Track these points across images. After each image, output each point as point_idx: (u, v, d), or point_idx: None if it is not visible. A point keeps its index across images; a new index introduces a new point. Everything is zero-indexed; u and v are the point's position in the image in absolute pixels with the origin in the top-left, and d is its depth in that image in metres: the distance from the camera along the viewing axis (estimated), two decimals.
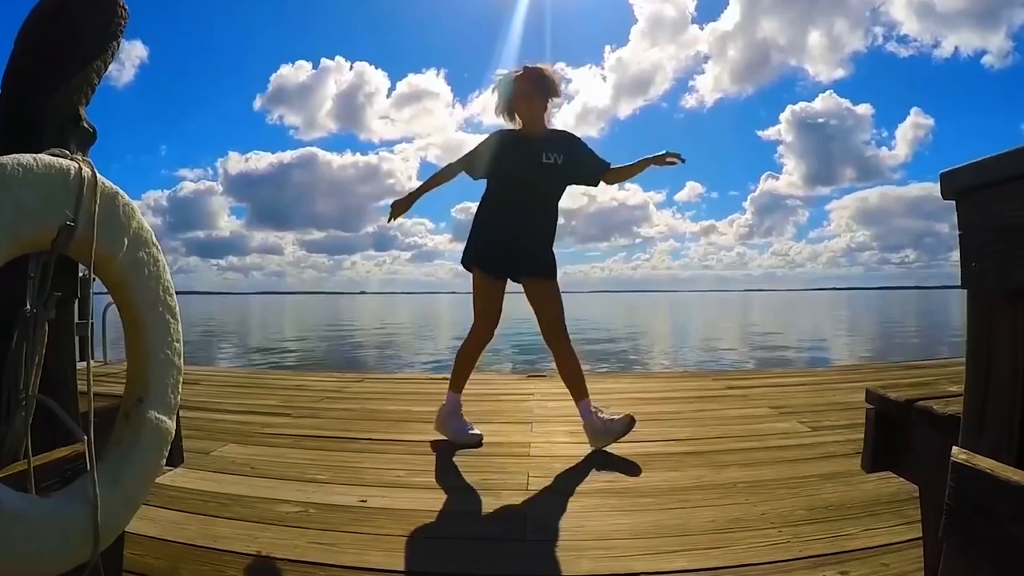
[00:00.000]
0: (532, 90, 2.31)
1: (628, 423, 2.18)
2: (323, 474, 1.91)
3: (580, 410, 2.26)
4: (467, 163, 2.41)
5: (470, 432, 2.33)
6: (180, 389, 1.04)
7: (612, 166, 2.45)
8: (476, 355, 2.41)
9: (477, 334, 2.37)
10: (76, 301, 1.03)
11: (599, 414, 2.23)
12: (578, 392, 2.28)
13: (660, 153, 2.34)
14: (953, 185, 0.73)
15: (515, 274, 2.35)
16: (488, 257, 2.33)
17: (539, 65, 2.35)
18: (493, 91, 2.37)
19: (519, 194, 2.34)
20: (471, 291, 2.36)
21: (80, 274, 1.01)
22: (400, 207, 2.42)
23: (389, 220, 2.45)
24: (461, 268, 2.39)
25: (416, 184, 2.46)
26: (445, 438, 2.35)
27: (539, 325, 2.36)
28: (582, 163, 2.42)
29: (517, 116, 2.37)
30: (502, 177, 2.36)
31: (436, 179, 2.44)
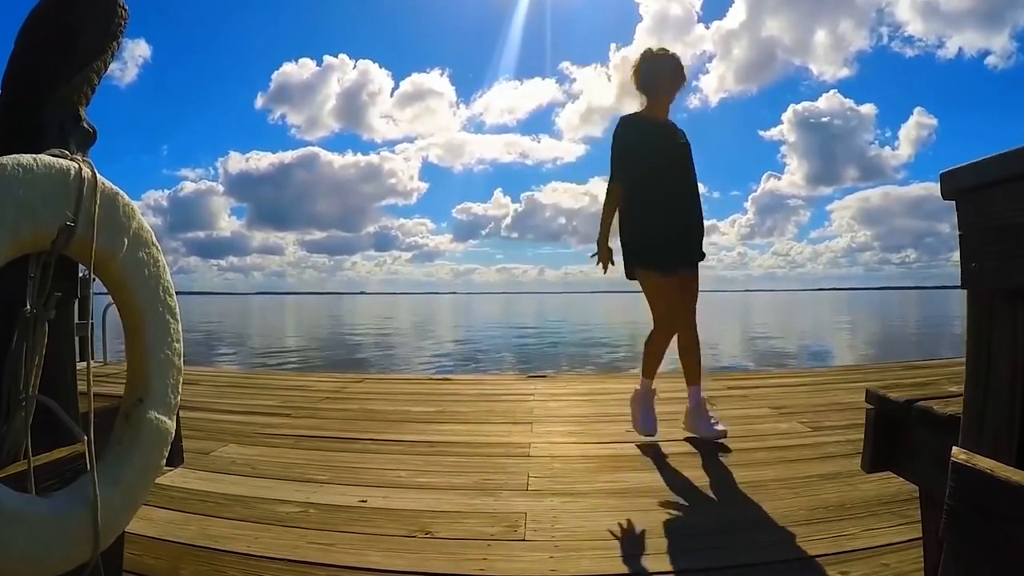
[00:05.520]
0: (679, 76, 2.29)
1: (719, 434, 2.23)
2: (323, 474, 1.91)
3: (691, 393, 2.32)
4: (617, 172, 2.29)
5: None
6: (180, 389, 1.04)
7: None
8: (661, 352, 2.32)
9: (664, 338, 2.30)
10: (76, 301, 1.03)
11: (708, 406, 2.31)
12: (692, 376, 2.33)
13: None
14: (953, 185, 0.73)
15: (688, 262, 2.29)
16: (662, 254, 2.23)
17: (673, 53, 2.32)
18: (636, 66, 2.31)
19: (671, 178, 2.26)
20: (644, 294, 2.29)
21: (80, 274, 1.01)
22: (605, 254, 2.32)
23: (604, 270, 2.33)
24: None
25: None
26: (447, 439, 2.39)
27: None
28: None
29: (661, 95, 2.30)
30: (653, 166, 2.24)
31: (610, 209, 2.31)
